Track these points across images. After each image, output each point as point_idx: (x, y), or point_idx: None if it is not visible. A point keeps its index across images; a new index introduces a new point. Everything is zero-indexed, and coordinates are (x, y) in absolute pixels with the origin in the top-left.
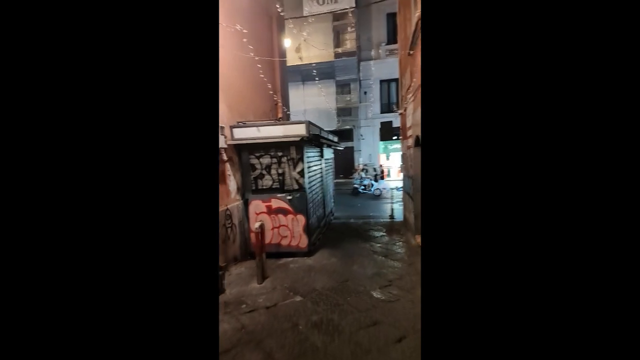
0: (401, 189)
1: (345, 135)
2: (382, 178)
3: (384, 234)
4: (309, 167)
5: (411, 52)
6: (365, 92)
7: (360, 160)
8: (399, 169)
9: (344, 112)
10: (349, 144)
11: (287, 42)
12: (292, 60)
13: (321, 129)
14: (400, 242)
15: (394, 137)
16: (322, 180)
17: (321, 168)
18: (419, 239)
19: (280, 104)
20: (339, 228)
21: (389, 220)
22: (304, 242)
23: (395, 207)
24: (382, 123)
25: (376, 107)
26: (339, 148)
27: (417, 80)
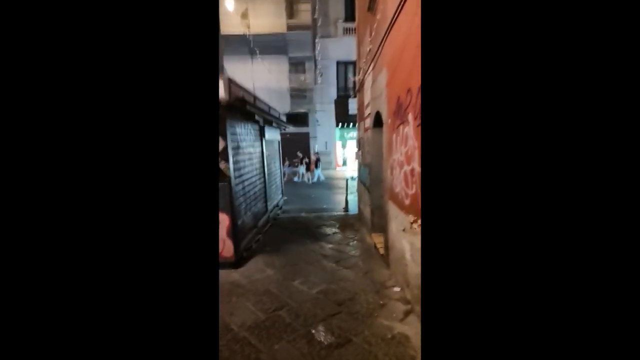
0: (356, 178)
1: (300, 119)
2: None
3: (337, 230)
4: (237, 147)
5: (371, 9)
6: (321, 74)
7: (316, 147)
8: (355, 157)
9: (298, 94)
10: (305, 129)
11: (230, 4)
12: (237, 27)
13: (256, 97)
14: (355, 242)
15: (350, 120)
16: (262, 167)
17: (261, 152)
18: (375, 237)
19: None
20: (286, 224)
21: (343, 213)
22: (228, 249)
23: (350, 198)
24: (336, 100)
25: (332, 90)
26: (287, 130)
27: (377, 43)
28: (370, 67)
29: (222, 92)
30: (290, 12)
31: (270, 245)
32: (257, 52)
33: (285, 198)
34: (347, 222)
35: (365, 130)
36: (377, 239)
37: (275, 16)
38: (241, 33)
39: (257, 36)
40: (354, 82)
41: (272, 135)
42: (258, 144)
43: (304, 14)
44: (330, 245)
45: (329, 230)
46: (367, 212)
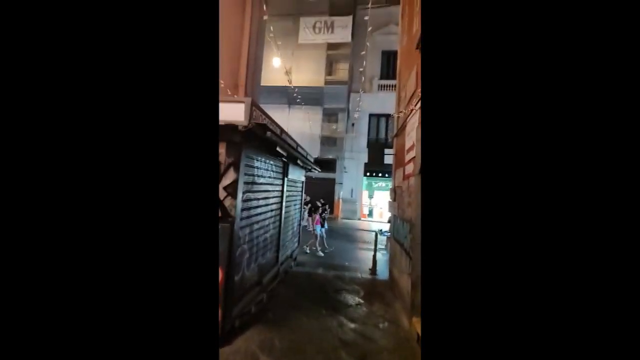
0: (386, 233)
1: (328, 165)
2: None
3: (362, 300)
4: (251, 183)
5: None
6: (352, 124)
7: (341, 193)
8: (388, 208)
9: (328, 141)
10: (331, 175)
11: (277, 62)
12: (280, 81)
13: (283, 130)
14: (386, 323)
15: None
16: (279, 210)
17: (280, 191)
18: (417, 324)
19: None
20: (299, 282)
21: (369, 276)
22: None
23: (379, 257)
24: (371, 144)
25: (363, 140)
26: (314, 171)
27: None
28: (418, 106)
29: (241, 115)
30: (330, 70)
31: (275, 312)
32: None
33: (331, 249)
34: (374, 290)
35: (406, 177)
36: (420, 327)
37: (316, 73)
38: (283, 85)
39: (297, 88)
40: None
41: (296, 174)
42: (279, 182)
43: (342, 72)
44: (352, 325)
45: (351, 299)
46: (403, 282)
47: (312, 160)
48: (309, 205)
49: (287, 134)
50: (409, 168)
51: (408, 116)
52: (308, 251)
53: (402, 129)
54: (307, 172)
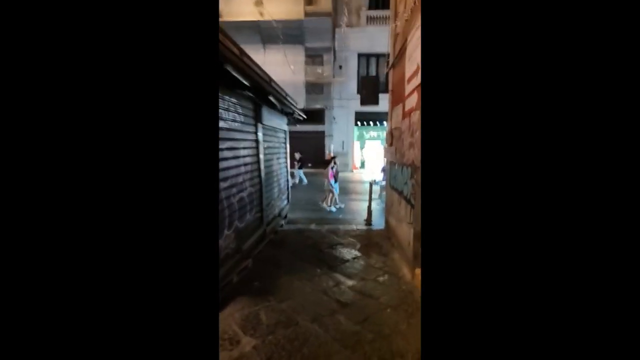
0: (380, 182)
1: (315, 116)
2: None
3: (359, 253)
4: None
5: None
6: (340, 66)
7: (332, 146)
8: (384, 154)
9: (314, 88)
10: (320, 127)
11: None
12: (250, 15)
13: (252, 59)
14: (386, 276)
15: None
16: (257, 165)
17: (254, 141)
18: (419, 272)
19: None
20: (290, 241)
21: (364, 227)
22: None
23: (374, 208)
24: (364, 79)
25: (352, 85)
26: (298, 117)
27: None
28: (414, 25)
29: None
30: None
31: (261, 279)
32: (271, 39)
33: (342, 205)
34: (371, 241)
35: (406, 115)
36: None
37: (292, 3)
38: (253, 20)
39: (271, 24)
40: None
41: (275, 121)
42: (251, 129)
43: (324, 1)
44: (350, 283)
45: (347, 254)
46: (402, 231)
47: (293, 101)
48: (299, 162)
49: (256, 64)
50: (412, 101)
51: (407, 39)
52: (333, 209)
53: (400, 55)
54: (290, 120)
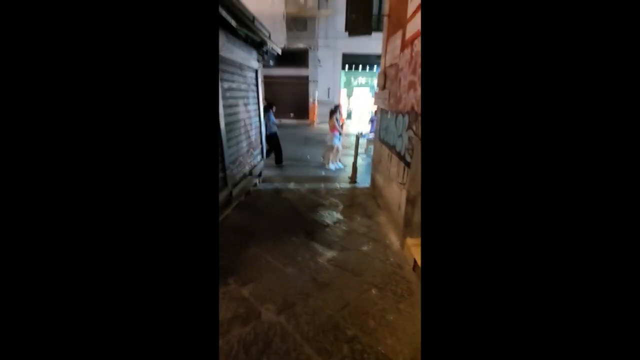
0: (367, 135)
1: (297, 59)
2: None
3: (340, 216)
4: None
5: None
6: None
7: (316, 94)
8: (374, 102)
9: (297, 24)
10: (303, 71)
11: None
12: None
13: None
14: (371, 245)
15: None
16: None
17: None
18: (414, 247)
19: None
20: (264, 203)
21: (349, 185)
22: None
23: (360, 164)
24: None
25: (340, 21)
26: (271, 49)
27: None
28: None
29: None
30: None
31: (223, 253)
32: None
33: (345, 166)
34: (355, 201)
35: (407, 44)
36: (418, 251)
37: None
38: None
39: None
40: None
41: (239, 54)
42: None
43: None
44: (330, 254)
45: (329, 217)
46: (391, 192)
47: (262, 27)
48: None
49: None
50: (415, 25)
51: None
52: (332, 167)
53: None
54: (261, 55)
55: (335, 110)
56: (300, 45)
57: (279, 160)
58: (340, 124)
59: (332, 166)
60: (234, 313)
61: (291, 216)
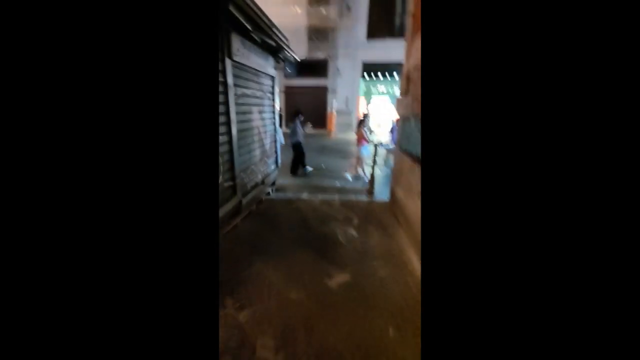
0: (387, 146)
1: (317, 69)
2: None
3: (355, 234)
4: None
5: None
6: (348, 6)
7: (334, 104)
8: (396, 106)
9: (318, 35)
10: (322, 81)
11: None
12: None
13: None
14: (390, 267)
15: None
16: (226, 117)
17: (224, 84)
18: None
19: None
20: (274, 213)
21: (365, 198)
22: None
23: (377, 174)
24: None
25: (361, 31)
26: (289, 55)
27: None
28: None
29: None
30: None
31: (226, 266)
32: None
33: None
34: (372, 216)
35: None
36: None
37: None
38: None
39: None
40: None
41: (256, 60)
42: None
43: None
44: (341, 277)
45: (342, 233)
46: (413, 207)
47: (280, 33)
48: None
49: None
50: None
51: None
52: (350, 178)
53: None
54: (279, 62)
55: (364, 119)
56: (320, 55)
57: (293, 170)
58: (367, 134)
59: (349, 176)
60: (224, 345)
61: (302, 229)
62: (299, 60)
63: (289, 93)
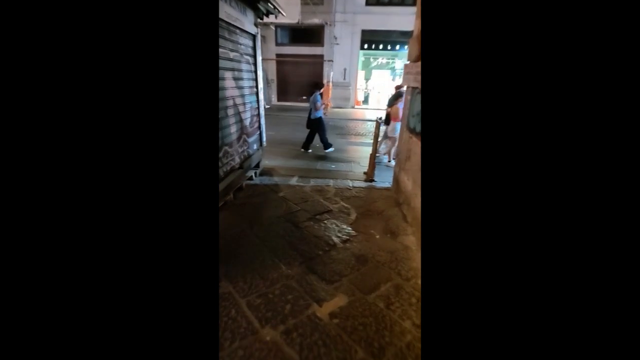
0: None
1: (312, 36)
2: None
3: (351, 231)
4: None
5: None
6: None
7: (331, 75)
8: (403, 80)
9: None
10: (317, 49)
11: None
12: None
13: None
14: (396, 281)
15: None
16: None
17: None
18: None
19: None
20: (255, 204)
21: (364, 183)
22: None
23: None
24: None
25: None
26: (272, 11)
27: None
28: None
29: None
30: None
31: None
32: None
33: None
34: (372, 208)
35: None
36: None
37: None
38: None
39: None
40: None
41: (227, 13)
42: None
43: None
44: (332, 300)
45: (335, 232)
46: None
47: None
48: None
49: None
50: None
51: None
52: (385, 160)
53: None
54: (259, 16)
55: (399, 94)
56: (316, 20)
57: (306, 146)
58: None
59: (386, 159)
60: None
61: (287, 227)
62: (284, 15)
63: (280, 62)
